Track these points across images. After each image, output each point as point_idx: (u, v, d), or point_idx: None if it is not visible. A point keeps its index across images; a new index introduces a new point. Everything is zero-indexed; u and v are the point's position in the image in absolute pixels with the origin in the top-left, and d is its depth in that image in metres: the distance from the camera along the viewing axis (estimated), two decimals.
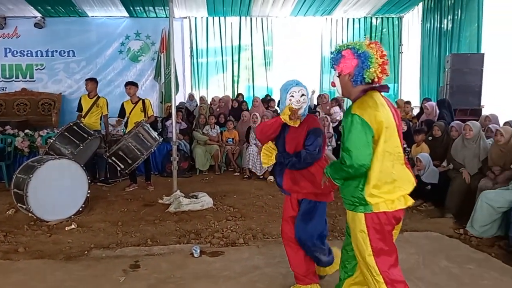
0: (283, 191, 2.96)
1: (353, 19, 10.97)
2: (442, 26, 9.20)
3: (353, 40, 10.79)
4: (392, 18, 10.98)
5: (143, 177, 6.52)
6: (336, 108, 8.30)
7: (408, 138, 6.03)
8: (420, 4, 10.06)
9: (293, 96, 2.77)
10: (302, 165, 2.74)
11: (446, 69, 7.92)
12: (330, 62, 2.27)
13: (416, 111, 8.31)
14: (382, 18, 10.99)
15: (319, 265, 2.97)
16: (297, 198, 2.89)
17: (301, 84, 2.83)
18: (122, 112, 6.35)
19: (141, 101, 6.31)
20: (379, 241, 2.11)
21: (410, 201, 2.17)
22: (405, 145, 5.94)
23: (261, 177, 7.05)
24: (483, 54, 7.84)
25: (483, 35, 8.23)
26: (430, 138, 5.77)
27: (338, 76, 2.22)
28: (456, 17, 8.75)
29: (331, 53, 2.25)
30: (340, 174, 2.18)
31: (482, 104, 7.72)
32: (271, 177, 6.97)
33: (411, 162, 5.64)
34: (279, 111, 2.89)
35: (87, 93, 6.55)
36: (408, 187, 2.16)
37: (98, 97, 6.48)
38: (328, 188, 2.63)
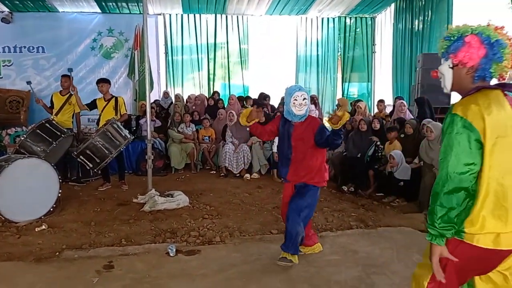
0: (285, 180, 3.51)
1: (328, 18, 11.10)
2: (414, 26, 9.43)
3: (327, 40, 11.06)
4: (366, 18, 11.17)
5: (117, 176, 6.39)
6: (312, 106, 8.37)
7: (382, 136, 6.16)
8: (393, 5, 10.27)
9: (296, 100, 3.24)
10: (337, 144, 3.31)
11: (418, 69, 8.13)
12: (443, 48, 1.75)
13: (389, 109, 8.49)
14: (355, 18, 11.16)
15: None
16: (294, 183, 3.43)
17: (304, 89, 3.32)
18: (91, 105, 6.25)
19: (114, 99, 6.18)
20: None
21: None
22: (378, 143, 6.07)
23: (238, 175, 7.04)
24: None
25: None
26: (402, 135, 5.91)
27: (452, 68, 1.74)
28: (426, 18, 9.00)
29: (446, 37, 1.74)
30: (443, 200, 1.61)
31: (451, 102, 7.96)
32: (247, 175, 6.98)
33: (385, 160, 5.77)
34: (283, 112, 3.39)
35: (59, 90, 6.37)
36: None
37: (71, 95, 6.31)
38: (322, 177, 3.35)
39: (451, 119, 1.64)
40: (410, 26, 9.54)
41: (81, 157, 5.34)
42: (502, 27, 1.70)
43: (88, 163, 5.36)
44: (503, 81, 1.75)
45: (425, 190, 4.91)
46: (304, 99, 3.25)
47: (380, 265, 3.40)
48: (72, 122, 6.46)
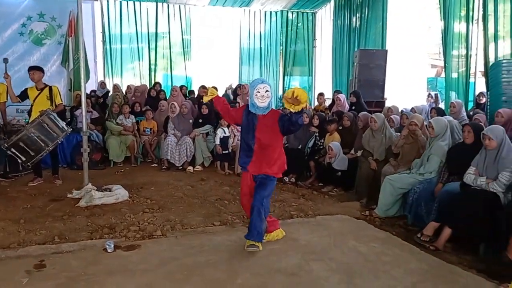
0: (244, 169, 3.59)
1: (270, 12, 11.22)
2: (351, 23, 9.84)
3: (270, 34, 11.17)
4: (307, 13, 11.44)
5: (49, 170, 6.02)
6: None
7: (321, 128, 6.37)
8: (332, 1, 10.62)
9: (258, 92, 3.32)
10: (300, 123, 3.28)
11: (355, 64, 8.50)
12: None
13: (328, 103, 8.79)
14: (297, 12, 11.40)
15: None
16: (253, 174, 3.52)
17: (266, 82, 3.39)
18: (22, 95, 5.78)
19: (47, 88, 5.78)
20: None
21: None
22: (317, 135, 6.27)
23: (180, 168, 6.93)
24: (386, 50, 8.54)
25: (387, 33, 8.98)
26: (340, 127, 6.15)
27: None
28: (363, 15, 9.41)
29: None
30: None
31: (385, 96, 8.43)
32: (190, 168, 6.90)
33: (324, 151, 5.97)
34: (241, 103, 3.39)
35: None
36: None
37: None
38: (280, 169, 3.54)
39: None
40: (348, 23, 9.93)
41: (12, 149, 4.95)
42: None
43: (21, 156, 4.99)
44: None
45: (361, 180, 5.17)
46: (267, 91, 3.32)
47: (318, 252, 3.53)
48: None
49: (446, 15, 6.92)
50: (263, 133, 3.42)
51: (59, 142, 5.40)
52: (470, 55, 6.69)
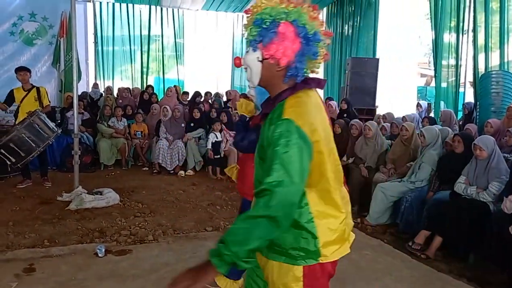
0: None
1: None
2: (344, 31, 9.93)
3: None
4: None
5: (37, 172, 5.92)
6: None
7: None
8: (324, 9, 10.71)
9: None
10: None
11: (347, 71, 8.56)
12: (252, 35, 1.38)
13: None
14: None
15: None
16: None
17: None
18: (9, 100, 5.68)
19: (35, 89, 5.69)
20: None
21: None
22: None
23: (172, 172, 6.89)
24: (378, 59, 8.64)
25: (378, 42, 9.10)
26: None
27: (261, 61, 1.39)
28: (355, 23, 9.52)
29: (256, 21, 1.35)
30: (259, 231, 1.26)
31: (376, 104, 8.51)
32: (182, 172, 6.86)
33: None
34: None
35: None
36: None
37: None
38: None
39: (286, 126, 1.30)
40: (340, 31, 10.03)
41: (2, 150, 4.86)
42: (315, 7, 1.39)
43: (10, 157, 4.90)
44: (311, 78, 1.48)
45: (352, 187, 5.18)
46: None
47: None
48: None
49: (437, 25, 7.04)
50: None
51: (50, 143, 5.32)
52: (460, 65, 6.80)
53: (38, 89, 5.71)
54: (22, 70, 5.70)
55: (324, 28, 1.40)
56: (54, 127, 5.35)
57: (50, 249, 3.60)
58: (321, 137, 1.37)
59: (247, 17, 1.41)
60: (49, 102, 5.89)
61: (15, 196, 5.19)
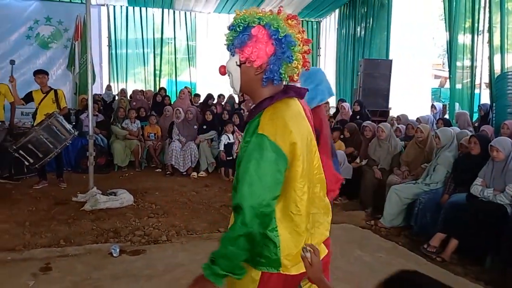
0: None
1: None
2: (356, 32, 9.88)
3: None
4: (312, 21, 11.50)
5: (53, 173, 6.01)
6: None
7: None
8: (337, 11, 10.68)
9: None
10: None
11: (359, 73, 8.52)
12: (229, 39, 1.45)
13: (332, 111, 8.81)
14: (302, 21, 11.43)
15: None
16: None
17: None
18: (26, 99, 5.82)
19: (52, 91, 5.81)
20: None
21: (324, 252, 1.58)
22: None
23: (184, 173, 6.93)
24: (391, 60, 8.57)
25: (391, 43, 9.03)
26: (341, 136, 6.17)
27: (239, 65, 1.43)
28: (368, 25, 9.46)
29: (231, 26, 1.43)
30: (242, 248, 1.34)
31: (389, 106, 8.44)
32: (194, 173, 6.90)
33: None
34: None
35: None
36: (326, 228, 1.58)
37: None
38: None
39: (259, 141, 1.33)
40: (353, 32, 9.98)
41: (20, 151, 4.94)
42: (295, 17, 1.42)
43: (29, 158, 4.98)
44: (292, 85, 1.51)
45: (366, 189, 5.16)
46: None
47: None
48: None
49: (451, 26, 6.95)
50: None
51: (67, 145, 5.40)
52: (475, 66, 6.71)
53: (55, 91, 5.82)
54: (41, 73, 5.82)
55: (302, 36, 1.42)
56: (71, 129, 5.44)
57: (65, 248, 3.65)
58: (298, 150, 1.37)
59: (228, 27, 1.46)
60: (66, 104, 5.99)
61: (32, 197, 5.28)
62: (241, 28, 1.39)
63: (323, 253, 1.56)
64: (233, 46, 1.43)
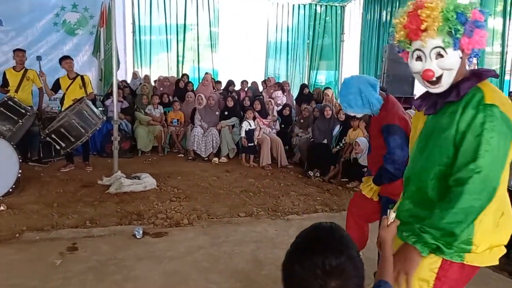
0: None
1: (299, 5, 11.10)
2: (381, 17, 9.62)
3: (298, 27, 11.06)
4: (336, 6, 11.26)
5: (80, 157, 6.19)
6: (279, 93, 8.43)
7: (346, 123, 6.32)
8: None
9: None
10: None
11: (384, 59, 8.32)
12: (448, 31, 1.33)
13: None
14: (326, 6, 11.23)
15: None
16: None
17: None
18: (55, 88, 5.99)
19: (79, 77, 5.96)
20: None
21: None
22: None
23: (206, 158, 7.01)
24: None
25: None
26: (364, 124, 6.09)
27: (461, 57, 1.39)
28: (394, 9, 9.18)
29: (459, 14, 1.32)
30: (466, 211, 1.32)
31: (414, 93, 8.24)
32: (215, 159, 6.97)
33: (346, 146, 5.94)
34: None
35: (13, 66, 6.05)
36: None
37: (26, 70, 6.01)
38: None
39: (490, 111, 1.30)
40: (378, 17, 9.73)
41: (53, 135, 5.10)
42: None
43: (61, 142, 5.14)
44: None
45: None
46: None
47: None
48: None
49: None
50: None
51: (97, 129, 5.55)
52: (506, 52, 6.45)
53: (82, 77, 5.97)
54: (68, 58, 5.97)
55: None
56: (100, 114, 5.58)
57: (91, 229, 3.78)
58: None
59: (423, 19, 1.36)
60: (92, 89, 6.13)
61: (59, 179, 5.46)
62: (467, 15, 1.33)
63: None
64: (456, 38, 1.35)
